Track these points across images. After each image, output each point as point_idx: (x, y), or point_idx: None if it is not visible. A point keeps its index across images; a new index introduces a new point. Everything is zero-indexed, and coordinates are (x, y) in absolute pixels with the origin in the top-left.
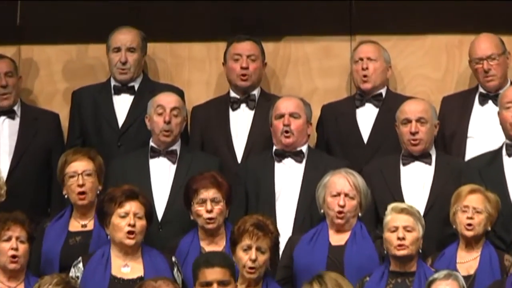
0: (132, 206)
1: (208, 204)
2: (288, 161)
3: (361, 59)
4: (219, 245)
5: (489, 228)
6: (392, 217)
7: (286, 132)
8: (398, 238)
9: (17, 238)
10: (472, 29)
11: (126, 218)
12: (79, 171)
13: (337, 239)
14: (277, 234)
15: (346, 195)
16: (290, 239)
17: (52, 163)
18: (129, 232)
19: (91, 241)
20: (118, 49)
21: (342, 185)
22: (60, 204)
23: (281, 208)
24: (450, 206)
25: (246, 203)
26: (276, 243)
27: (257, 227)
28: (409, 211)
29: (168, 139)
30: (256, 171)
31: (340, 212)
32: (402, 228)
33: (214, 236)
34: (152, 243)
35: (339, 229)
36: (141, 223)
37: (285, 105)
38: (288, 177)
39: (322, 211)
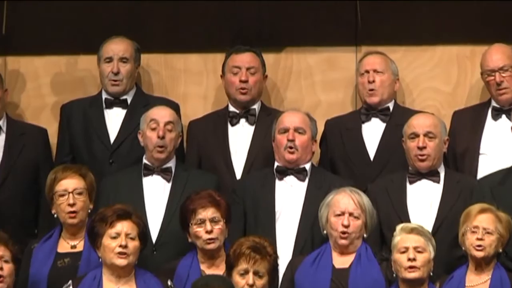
0: (124, 226)
1: (208, 224)
2: (290, 179)
3: (367, 72)
4: (220, 268)
5: (500, 250)
6: (402, 238)
7: (290, 147)
8: (409, 259)
9: (1, 258)
10: (485, 39)
11: (117, 239)
12: (70, 190)
13: (341, 261)
14: (275, 257)
15: (350, 214)
16: (291, 261)
17: (40, 180)
18: (120, 253)
19: (81, 263)
20: (110, 59)
21: (346, 204)
22: (48, 223)
23: (281, 229)
24: (459, 226)
25: (244, 223)
26: (275, 266)
27: (254, 250)
28: (419, 231)
29: (162, 155)
30: (256, 189)
31: (344, 233)
32: (412, 248)
33: (214, 258)
34: (145, 266)
35: (343, 251)
36: (133, 244)
37: (290, 119)
38: (289, 196)
39: (325, 231)
